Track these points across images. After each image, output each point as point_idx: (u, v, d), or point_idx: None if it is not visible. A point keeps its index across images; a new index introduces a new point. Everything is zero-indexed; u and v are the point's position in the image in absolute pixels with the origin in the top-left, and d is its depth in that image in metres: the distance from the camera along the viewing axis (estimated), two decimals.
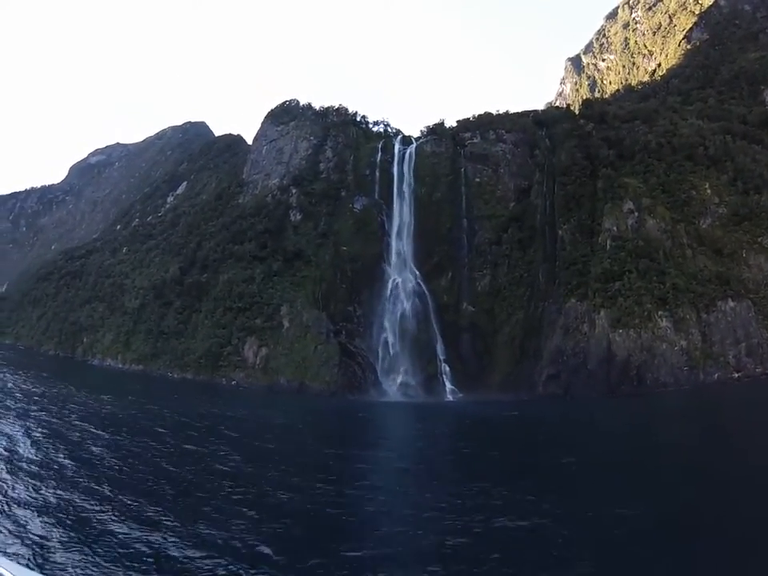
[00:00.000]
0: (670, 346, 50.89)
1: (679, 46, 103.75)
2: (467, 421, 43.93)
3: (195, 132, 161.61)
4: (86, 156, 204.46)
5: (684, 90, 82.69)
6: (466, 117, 79.29)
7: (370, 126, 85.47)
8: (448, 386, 58.42)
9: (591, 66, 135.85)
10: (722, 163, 62.93)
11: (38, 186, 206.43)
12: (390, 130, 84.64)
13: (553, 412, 44.41)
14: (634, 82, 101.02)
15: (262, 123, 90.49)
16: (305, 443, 31.07)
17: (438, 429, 40.72)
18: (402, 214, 69.12)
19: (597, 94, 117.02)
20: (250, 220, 76.23)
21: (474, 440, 32.13)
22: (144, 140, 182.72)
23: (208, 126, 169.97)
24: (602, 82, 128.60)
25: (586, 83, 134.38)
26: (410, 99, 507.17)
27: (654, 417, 38.32)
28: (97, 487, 18.72)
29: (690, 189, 61.25)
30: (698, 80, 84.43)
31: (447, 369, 59.50)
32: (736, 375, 49.69)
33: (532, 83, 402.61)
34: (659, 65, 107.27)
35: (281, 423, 39.82)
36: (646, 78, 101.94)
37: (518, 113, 79.19)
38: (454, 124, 79.75)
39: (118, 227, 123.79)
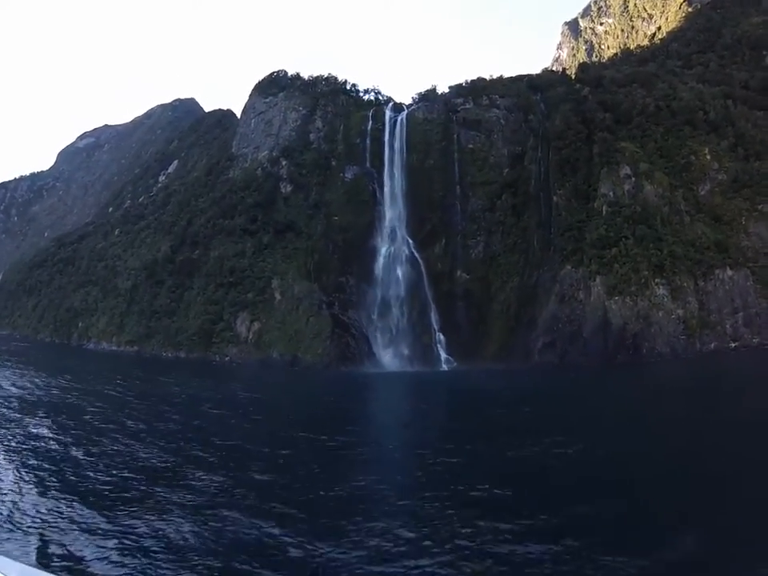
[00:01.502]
0: (667, 315, 50.26)
1: (680, 8, 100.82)
2: (454, 395, 42.24)
3: (185, 109, 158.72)
4: (74, 140, 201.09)
5: (684, 54, 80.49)
6: (458, 82, 77.18)
7: (361, 94, 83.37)
8: (443, 355, 57.84)
9: (589, 31, 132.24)
10: (723, 128, 61.44)
11: (28, 174, 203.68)
12: (380, 97, 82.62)
13: (546, 383, 43.47)
14: (632, 46, 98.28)
15: (250, 95, 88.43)
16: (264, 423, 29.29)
17: (422, 403, 39.33)
18: (393, 183, 67.67)
19: (594, 59, 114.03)
20: (240, 194, 74.99)
21: (461, 419, 29.90)
22: (133, 120, 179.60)
23: (198, 103, 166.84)
24: (600, 46, 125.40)
25: (584, 48, 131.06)
26: (402, 68, 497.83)
27: (653, 388, 37.25)
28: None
29: (689, 154, 59.86)
30: (698, 44, 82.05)
31: (442, 338, 58.81)
32: (733, 345, 49.28)
33: (528, 49, 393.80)
34: (659, 28, 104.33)
35: (241, 400, 37.46)
36: (645, 42, 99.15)
37: (511, 77, 77.13)
38: (446, 90, 77.98)
39: (110, 210, 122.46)
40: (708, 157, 59.37)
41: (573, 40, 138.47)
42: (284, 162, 75.16)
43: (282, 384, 47.90)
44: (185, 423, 27.54)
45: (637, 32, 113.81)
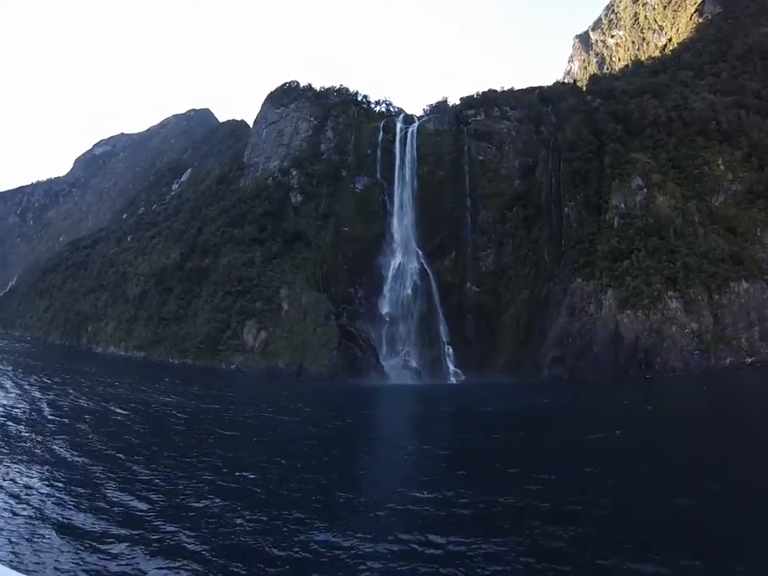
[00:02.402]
0: (680, 329, 49.07)
1: (691, 19, 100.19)
2: (462, 414, 37.78)
3: (199, 119, 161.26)
4: (90, 147, 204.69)
5: (696, 65, 79.58)
6: (469, 94, 77.17)
7: (372, 105, 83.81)
8: (451, 368, 57.25)
9: (600, 43, 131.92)
10: (736, 138, 60.48)
11: (44, 180, 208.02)
12: (392, 109, 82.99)
13: (556, 400, 41.27)
14: (643, 58, 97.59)
15: (262, 106, 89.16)
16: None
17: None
18: (403, 194, 67.57)
19: (606, 72, 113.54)
20: (250, 203, 75.34)
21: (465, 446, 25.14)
22: (148, 129, 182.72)
23: (212, 113, 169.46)
24: (611, 59, 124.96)
25: (595, 61, 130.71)
26: (413, 81, 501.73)
27: (664, 411, 34.55)
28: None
29: (702, 164, 58.98)
30: (710, 54, 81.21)
31: (450, 351, 58.26)
32: (749, 360, 47.70)
33: (539, 63, 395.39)
34: (670, 39, 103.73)
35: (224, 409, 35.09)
36: (657, 54, 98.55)
37: (523, 89, 77.00)
38: (458, 102, 77.84)
39: (124, 216, 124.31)
40: (722, 167, 58.41)
41: (584, 53, 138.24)
42: (294, 172, 75.46)
43: (276, 395, 45.66)
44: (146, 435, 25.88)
45: (648, 44, 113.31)
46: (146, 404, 33.60)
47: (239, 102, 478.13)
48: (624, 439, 23.45)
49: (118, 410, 30.55)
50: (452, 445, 26.09)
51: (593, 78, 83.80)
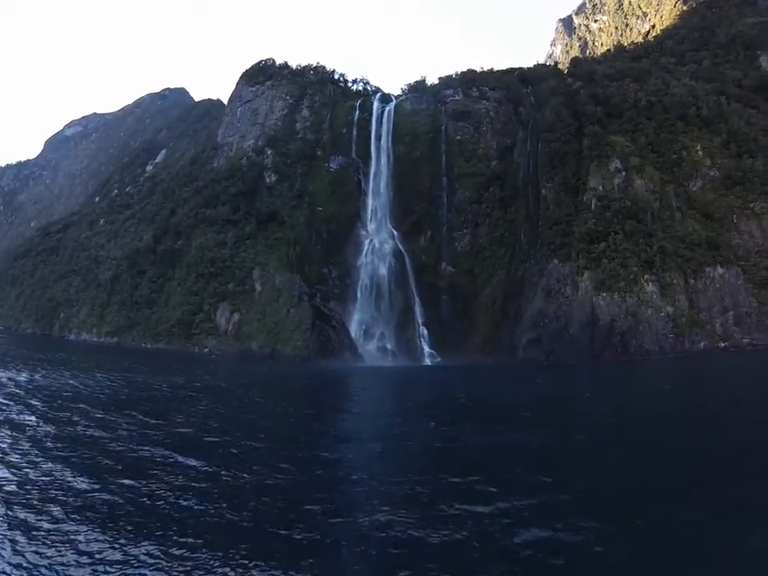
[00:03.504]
0: (656, 312, 49.26)
1: (675, 6, 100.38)
2: (436, 398, 34.08)
3: (175, 99, 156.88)
4: (61, 128, 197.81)
5: (678, 52, 79.71)
6: (448, 74, 75.94)
7: (349, 84, 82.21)
8: (426, 349, 56.70)
9: (583, 28, 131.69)
10: (716, 125, 60.76)
11: (14, 163, 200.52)
12: (369, 88, 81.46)
13: (531, 383, 39.64)
14: (626, 44, 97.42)
15: (237, 84, 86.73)
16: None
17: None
18: (379, 173, 66.58)
19: (588, 56, 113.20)
20: (224, 183, 73.50)
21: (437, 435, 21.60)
22: (122, 109, 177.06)
23: (188, 92, 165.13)
24: (594, 43, 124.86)
25: (577, 45, 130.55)
26: (392, 60, 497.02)
27: (641, 390, 34.25)
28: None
29: (681, 149, 59.09)
30: (692, 42, 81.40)
31: (425, 332, 57.70)
32: (722, 345, 48.22)
33: (522, 46, 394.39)
34: (653, 26, 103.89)
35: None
36: (639, 40, 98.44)
37: (502, 70, 76.18)
38: (436, 81, 76.66)
39: (97, 199, 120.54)
40: (700, 153, 58.57)
41: (567, 37, 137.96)
42: (269, 152, 73.71)
43: (239, 377, 43.28)
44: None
45: (631, 30, 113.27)
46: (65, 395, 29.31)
47: (216, 81, 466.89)
48: None
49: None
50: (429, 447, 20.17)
51: (574, 61, 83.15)
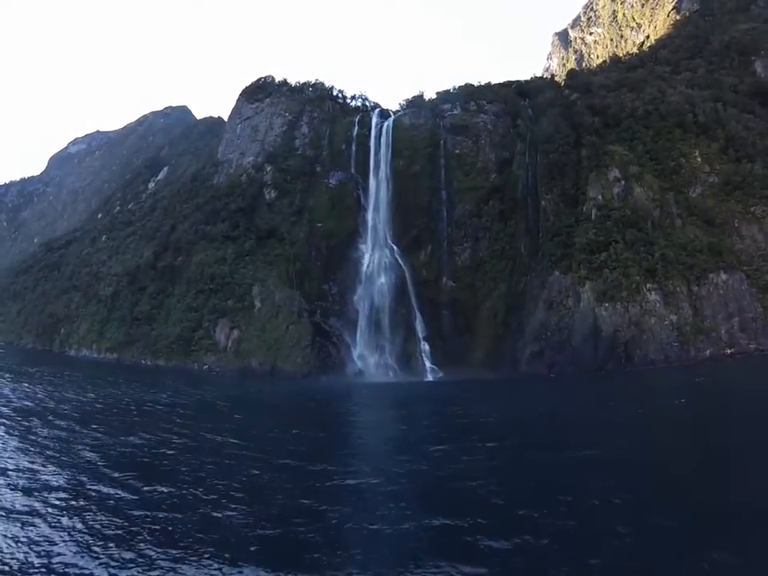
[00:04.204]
0: (660, 321, 48.61)
1: (668, 17, 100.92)
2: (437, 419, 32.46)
3: (177, 116, 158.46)
4: (65, 146, 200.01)
5: (673, 60, 79.92)
6: (446, 89, 76.29)
7: (348, 100, 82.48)
8: (428, 364, 56.06)
9: (578, 41, 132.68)
10: (713, 131, 60.54)
11: (18, 179, 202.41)
12: (368, 103, 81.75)
13: (535, 398, 38.80)
14: (621, 55, 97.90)
15: (237, 101, 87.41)
16: None
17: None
18: (378, 188, 66.40)
19: (584, 68, 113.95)
20: (224, 200, 73.65)
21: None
22: (125, 126, 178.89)
23: (190, 110, 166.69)
24: (590, 56, 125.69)
25: (573, 58, 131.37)
26: (390, 76, 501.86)
27: (654, 405, 31.25)
28: None
29: (680, 156, 58.85)
30: (687, 50, 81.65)
31: (427, 347, 57.14)
32: (729, 351, 47.38)
33: (519, 60, 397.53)
34: (647, 37, 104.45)
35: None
36: (634, 50, 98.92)
37: (500, 84, 76.25)
38: (434, 96, 76.96)
39: (99, 216, 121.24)
40: (699, 159, 58.33)
41: (563, 50, 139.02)
42: (269, 168, 73.88)
43: (227, 399, 40.74)
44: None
45: (626, 41, 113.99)
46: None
47: (218, 99, 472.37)
48: None
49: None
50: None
51: (570, 73, 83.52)
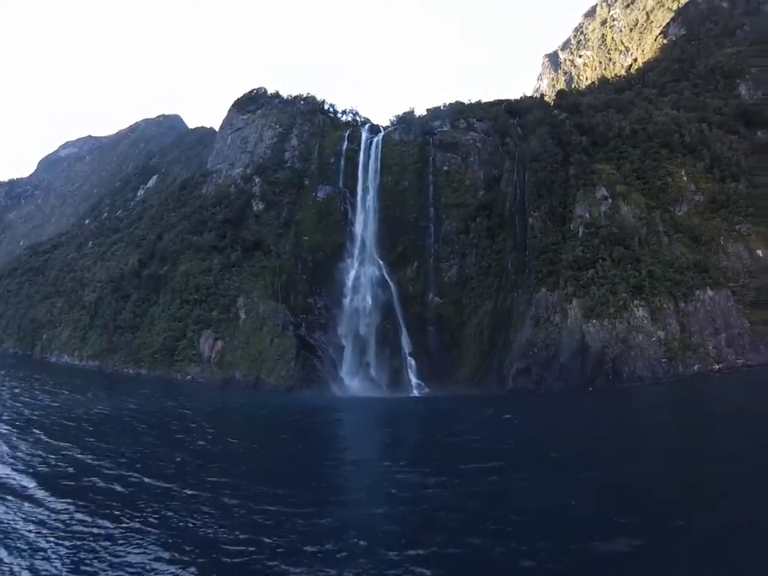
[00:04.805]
0: (647, 337, 48.64)
1: (655, 41, 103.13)
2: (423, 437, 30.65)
3: (169, 125, 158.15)
4: (56, 149, 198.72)
5: (659, 83, 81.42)
6: (436, 106, 76.98)
7: (339, 115, 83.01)
8: (414, 380, 55.51)
9: (568, 62, 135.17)
10: (699, 151, 61.36)
11: (6, 181, 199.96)
12: (358, 118, 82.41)
13: (523, 418, 36.79)
14: (610, 77, 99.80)
15: (228, 112, 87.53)
16: None
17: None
18: (366, 203, 66.46)
19: (573, 89, 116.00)
20: (211, 210, 73.14)
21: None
22: (117, 132, 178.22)
23: (182, 120, 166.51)
24: (579, 77, 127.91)
25: (563, 79, 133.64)
26: (381, 93, 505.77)
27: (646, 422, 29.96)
28: None
29: (666, 175, 59.52)
30: (673, 73, 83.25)
31: (413, 363, 56.61)
32: (717, 367, 47.45)
33: (509, 81, 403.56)
34: (635, 60, 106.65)
35: None
36: (622, 73, 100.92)
37: (489, 102, 77.20)
38: (424, 113, 77.57)
39: (87, 221, 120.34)
40: (685, 178, 59.00)
41: (553, 71, 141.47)
42: (257, 180, 73.67)
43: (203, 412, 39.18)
44: None
45: (614, 64, 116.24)
46: None
47: (211, 109, 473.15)
48: None
49: None
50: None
51: (560, 93, 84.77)
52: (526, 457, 22.24)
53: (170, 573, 10.70)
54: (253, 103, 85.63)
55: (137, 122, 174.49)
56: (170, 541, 12.00)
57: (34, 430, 24.78)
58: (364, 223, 65.56)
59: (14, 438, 22.81)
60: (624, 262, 51.99)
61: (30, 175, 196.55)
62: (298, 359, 52.85)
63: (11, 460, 19.18)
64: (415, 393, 54.11)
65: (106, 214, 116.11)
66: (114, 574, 10.57)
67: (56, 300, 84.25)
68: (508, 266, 58.39)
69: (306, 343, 55.02)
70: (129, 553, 11.39)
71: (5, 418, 27.40)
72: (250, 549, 11.33)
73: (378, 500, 16.63)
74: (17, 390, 39.76)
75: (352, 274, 62.31)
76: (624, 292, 50.07)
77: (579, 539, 12.68)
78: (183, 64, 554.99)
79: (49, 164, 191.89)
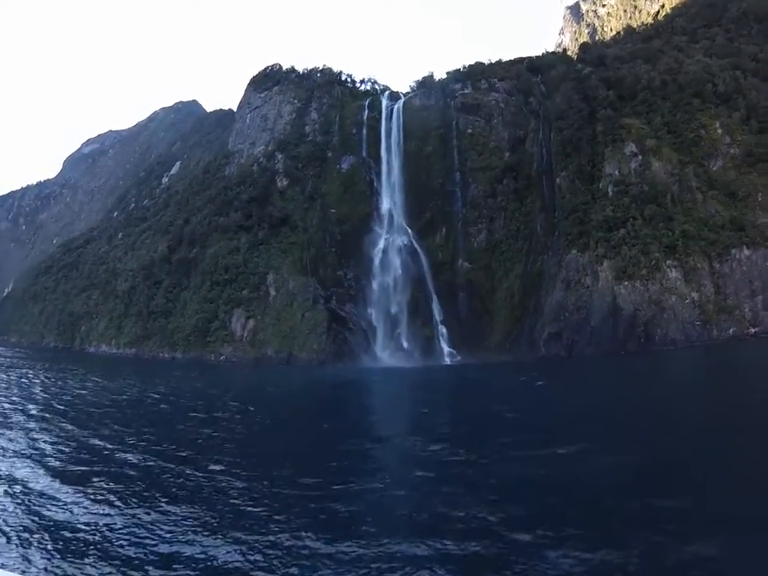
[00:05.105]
0: (680, 299, 47.42)
1: None
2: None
3: (187, 111, 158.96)
4: (79, 147, 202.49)
5: (689, 29, 77.36)
6: (456, 68, 74.93)
7: (357, 84, 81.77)
8: (446, 348, 55.48)
9: (591, 14, 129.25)
10: (734, 101, 58.41)
11: (34, 183, 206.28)
12: (377, 87, 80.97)
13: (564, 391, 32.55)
14: (636, 26, 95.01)
15: (245, 91, 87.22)
16: None
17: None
18: (391, 171, 65.75)
19: (597, 41, 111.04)
20: (236, 190, 73.67)
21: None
22: (136, 124, 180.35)
23: (200, 104, 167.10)
24: (603, 28, 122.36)
25: (586, 32, 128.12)
26: (399, 58, 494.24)
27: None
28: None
29: (699, 128, 56.93)
30: (704, 18, 78.85)
31: (444, 331, 56.49)
32: (752, 330, 45.99)
33: (529, 36, 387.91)
34: (662, 6, 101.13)
35: None
36: (649, 21, 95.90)
37: (510, 60, 74.72)
38: (444, 76, 75.71)
39: (115, 214, 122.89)
40: (719, 131, 56.28)
41: (575, 24, 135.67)
42: (279, 156, 73.58)
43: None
44: None
45: (640, 11, 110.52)
46: None
47: (228, 91, 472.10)
48: None
49: None
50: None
51: (583, 47, 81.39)
52: (559, 430, 20.15)
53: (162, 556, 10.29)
54: (269, 80, 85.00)
55: (155, 112, 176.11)
56: (168, 525, 11.54)
57: (57, 416, 24.80)
58: (390, 192, 65.07)
59: (33, 424, 22.89)
60: (656, 221, 50.46)
61: (57, 175, 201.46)
62: (329, 333, 53.41)
63: (27, 444, 19.17)
64: (447, 361, 54.20)
65: (133, 205, 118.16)
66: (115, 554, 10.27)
67: (91, 292, 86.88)
68: (537, 229, 57.27)
69: (337, 316, 55.47)
70: (129, 537, 10.99)
71: (30, 406, 27.79)
72: (251, 538, 10.55)
73: (399, 482, 14.88)
74: (49, 381, 40.68)
75: (381, 244, 62.05)
76: (656, 252, 48.76)
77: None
78: (195, 49, 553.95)
79: (74, 162, 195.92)
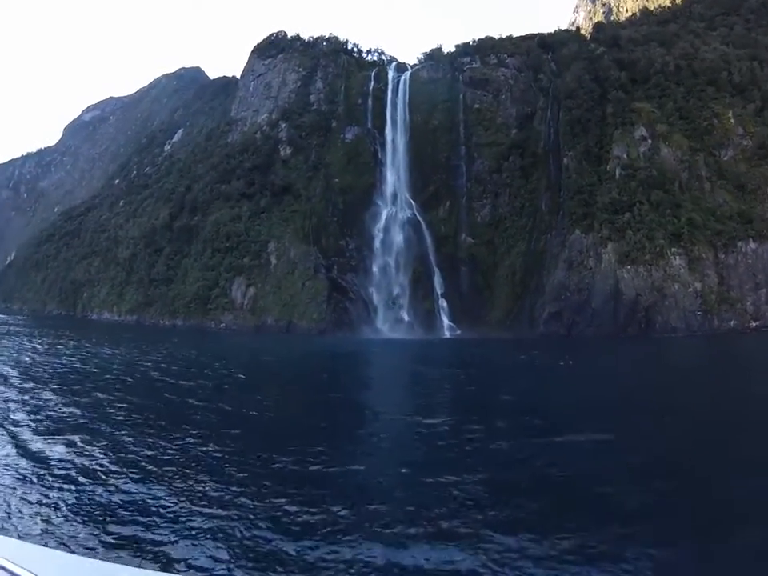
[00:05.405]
0: (683, 287, 47.50)
1: None
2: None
3: (190, 78, 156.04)
4: (79, 114, 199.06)
5: (707, 16, 76.13)
6: (465, 42, 73.65)
7: (363, 54, 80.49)
8: (446, 322, 55.45)
9: None
10: (749, 91, 58.04)
11: (35, 151, 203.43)
12: (384, 58, 79.68)
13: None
14: (652, 8, 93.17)
15: (249, 58, 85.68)
16: None
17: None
18: (395, 143, 64.94)
19: (613, 21, 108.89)
20: (239, 158, 72.88)
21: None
22: (138, 91, 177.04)
23: (203, 71, 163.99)
24: (618, 9, 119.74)
25: (601, 11, 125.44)
26: (408, 31, 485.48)
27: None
28: None
29: (712, 117, 56.43)
30: (723, 6, 77.56)
31: (445, 304, 56.44)
32: (754, 324, 46.30)
33: (542, 14, 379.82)
34: None
35: None
36: (667, 4, 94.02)
37: (521, 36, 73.43)
38: (453, 49, 74.61)
39: (116, 181, 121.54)
40: (732, 120, 55.78)
41: (590, 3, 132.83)
42: (283, 125, 72.60)
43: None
44: None
45: None
46: None
47: (231, 58, 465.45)
48: None
49: None
50: None
51: (597, 26, 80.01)
52: (560, 413, 18.75)
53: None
54: (273, 48, 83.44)
55: (157, 78, 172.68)
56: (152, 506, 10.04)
57: (37, 384, 22.99)
58: (394, 163, 64.36)
59: (14, 391, 21.16)
60: (662, 207, 50.21)
61: (57, 143, 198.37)
62: (329, 302, 53.42)
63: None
64: (447, 334, 54.19)
65: (135, 172, 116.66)
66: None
67: (93, 260, 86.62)
68: (542, 207, 56.99)
69: (338, 285, 55.40)
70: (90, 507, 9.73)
71: (14, 373, 25.78)
72: (235, 525, 9.03)
73: (392, 465, 13.43)
74: (42, 347, 38.83)
75: (383, 215, 61.58)
76: (661, 239, 48.64)
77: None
78: (199, 15, 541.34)
79: (74, 129, 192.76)
